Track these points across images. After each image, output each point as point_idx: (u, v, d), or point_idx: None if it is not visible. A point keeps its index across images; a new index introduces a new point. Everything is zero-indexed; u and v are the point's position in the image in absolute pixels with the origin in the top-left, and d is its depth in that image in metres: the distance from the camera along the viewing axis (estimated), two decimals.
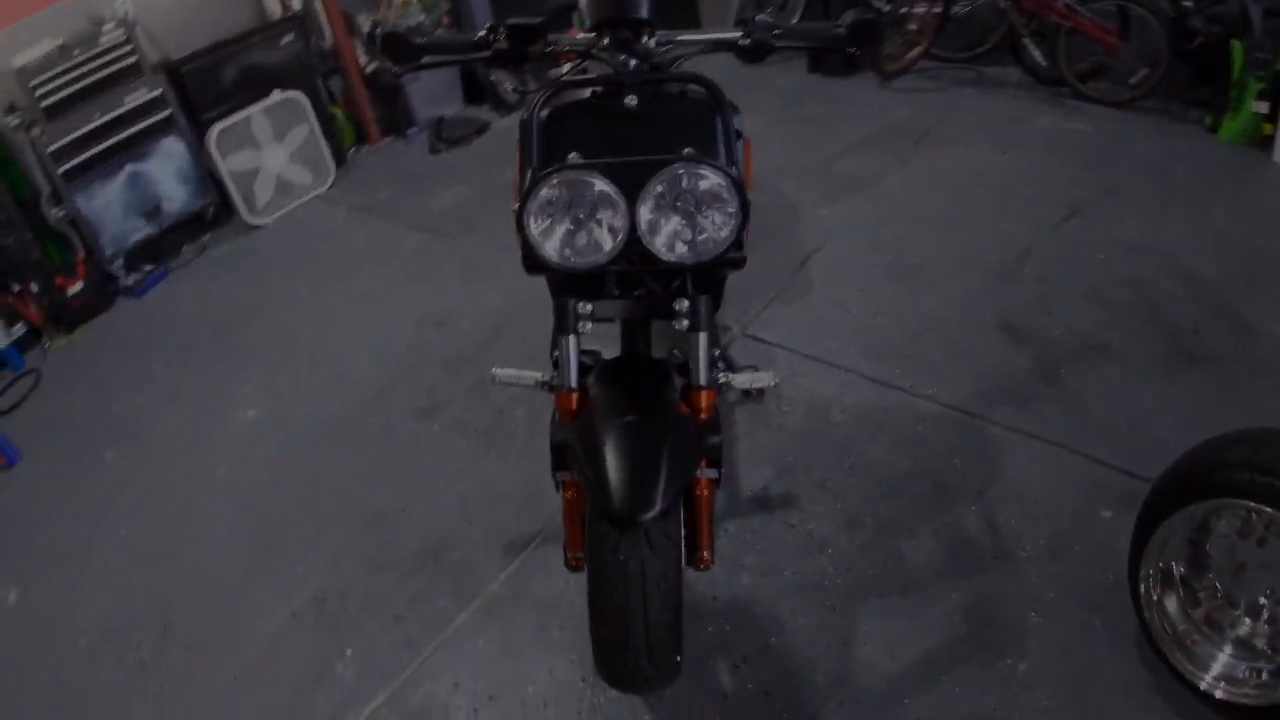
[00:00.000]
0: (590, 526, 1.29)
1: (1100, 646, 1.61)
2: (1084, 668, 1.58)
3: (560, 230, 1.28)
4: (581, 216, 1.27)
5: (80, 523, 2.51)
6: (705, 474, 1.43)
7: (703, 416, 1.40)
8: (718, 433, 1.40)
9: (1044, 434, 2.05)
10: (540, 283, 1.48)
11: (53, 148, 3.42)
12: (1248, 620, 1.43)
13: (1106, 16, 3.38)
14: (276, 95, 3.94)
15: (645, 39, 1.39)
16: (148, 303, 3.72)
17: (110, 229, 3.71)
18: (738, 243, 1.30)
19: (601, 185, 1.24)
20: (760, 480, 2.08)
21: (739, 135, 1.46)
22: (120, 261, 3.77)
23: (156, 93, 3.67)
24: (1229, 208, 2.82)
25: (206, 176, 3.94)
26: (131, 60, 3.58)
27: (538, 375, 1.51)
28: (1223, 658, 1.43)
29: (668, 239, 1.28)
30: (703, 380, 1.40)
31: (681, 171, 1.23)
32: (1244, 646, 1.43)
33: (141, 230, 3.81)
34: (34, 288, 3.47)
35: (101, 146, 3.55)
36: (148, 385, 3.09)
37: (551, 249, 1.29)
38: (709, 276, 1.43)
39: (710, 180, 1.24)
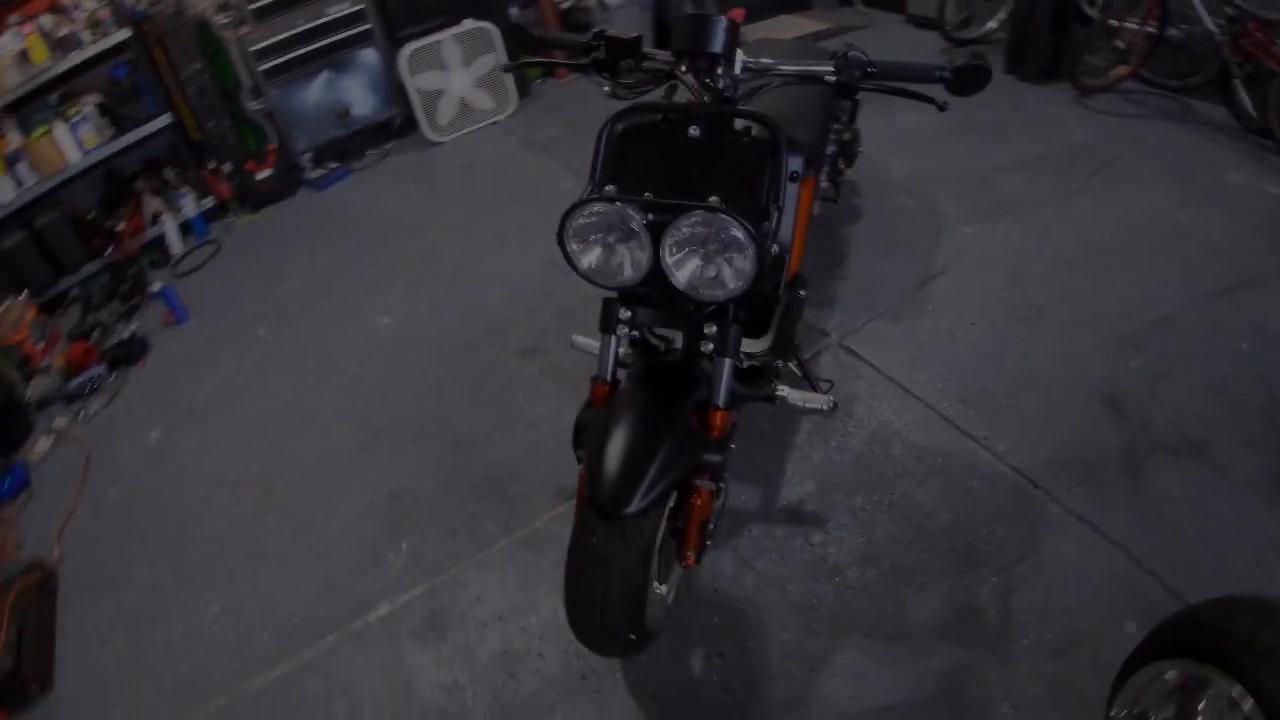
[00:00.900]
0: (581, 504, 1.45)
1: None
2: None
3: (595, 251, 1.43)
4: (612, 242, 1.41)
5: (223, 387, 2.99)
6: (704, 485, 1.53)
7: (714, 435, 1.51)
8: (721, 452, 1.49)
9: (1102, 526, 1.92)
10: None
11: (256, 47, 3.86)
12: None
13: None
14: (468, 23, 4.20)
15: (719, 70, 1.44)
16: (327, 196, 4.20)
17: (302, 125, 4.19)
18: (774, 282, 1.37)
19: (628, 221, 1.36)
20: (799, 493, 2.13)
21: (795, 176, 1.49)
22: (309, 155, 4.26)
23: (359, 8, 4.03)
24: None
25: (396, 90, 4.31)
26: None
27: None
28: None
29: (690, 275, 1.38)
30: (720, 402, 1.50)
31: (701, 219, 1.32)
32: None
33: (331, 130, 4.26)
34: (227, 168, 4.00)
35: (302, 50, 3.95)
36: (309, 275, 3.55)
37: (585, 264, 1.44)
38: (743, 307, 1.50)
39: (729, 231, 1.32)
